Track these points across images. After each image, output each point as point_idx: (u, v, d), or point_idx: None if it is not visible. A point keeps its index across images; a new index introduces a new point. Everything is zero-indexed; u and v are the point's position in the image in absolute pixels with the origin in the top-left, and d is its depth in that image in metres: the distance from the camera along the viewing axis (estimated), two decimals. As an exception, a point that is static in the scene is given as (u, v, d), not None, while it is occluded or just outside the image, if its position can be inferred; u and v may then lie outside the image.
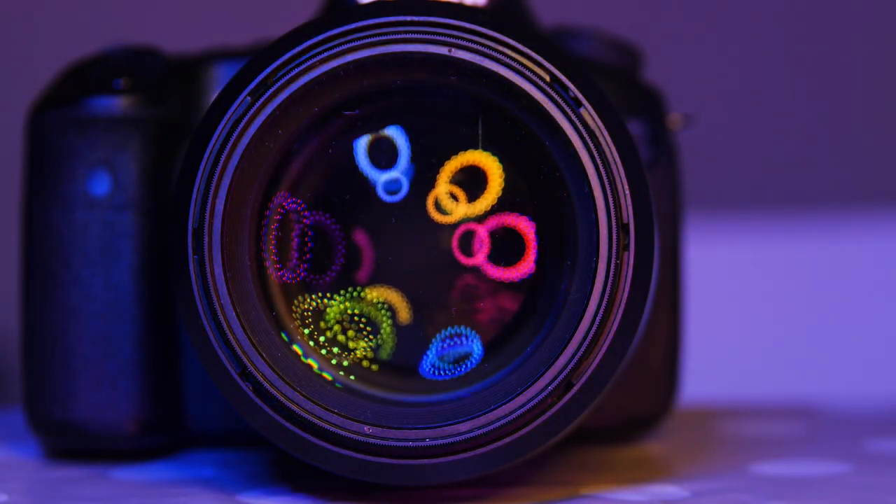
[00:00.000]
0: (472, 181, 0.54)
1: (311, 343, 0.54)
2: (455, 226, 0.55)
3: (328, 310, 0.54)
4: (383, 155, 0.54)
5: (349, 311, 0.54)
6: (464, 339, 0.54)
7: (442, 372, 0.54)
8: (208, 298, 0.53)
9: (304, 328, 0.54)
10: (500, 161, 0.54)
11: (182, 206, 0.53)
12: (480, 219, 0.54)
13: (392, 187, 0.54)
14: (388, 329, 0.54)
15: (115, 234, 0.61)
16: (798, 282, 1.03)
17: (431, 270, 0.55)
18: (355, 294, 0.54)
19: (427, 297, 0.55)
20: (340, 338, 0.54)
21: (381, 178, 0.54)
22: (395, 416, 0.52)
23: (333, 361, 0.54)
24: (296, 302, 0.54)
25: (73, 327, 0.61)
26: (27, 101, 0.63)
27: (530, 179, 0.54)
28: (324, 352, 0.54)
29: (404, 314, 0.54)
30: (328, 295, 0.55)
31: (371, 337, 0.54)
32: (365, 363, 0.54)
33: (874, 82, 1.14)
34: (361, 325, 0.55)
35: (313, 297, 0.54)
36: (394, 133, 0.54)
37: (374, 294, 0.55)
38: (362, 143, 0.54)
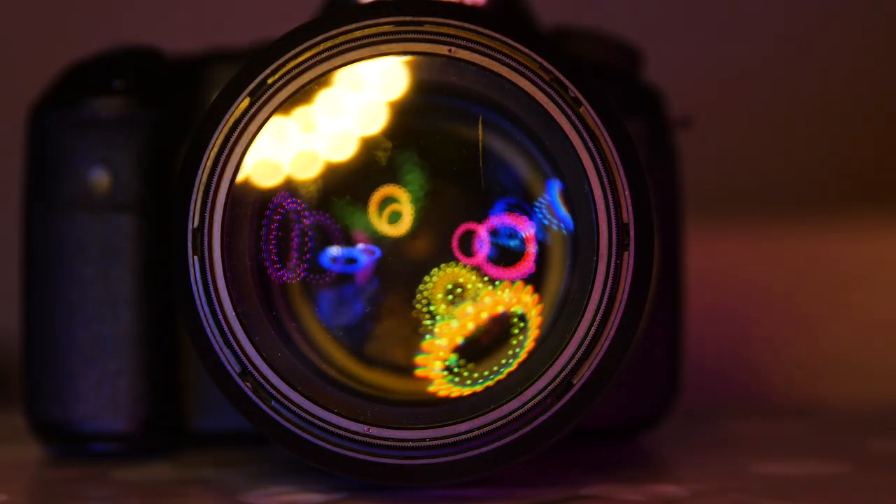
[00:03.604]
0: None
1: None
2: (454, 226, 0.55)
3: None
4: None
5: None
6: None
7: None
8: (208, 299, 0.53)
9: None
10: (410, 192, 0.54)
11: (182, 206, 0.53)
12: (480, 219, 0.54)
13: (352, 267, 0.55)
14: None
15: (115, 234, 0.61)
16: (798, 281, 1.03)
17: (425, 273, 0.55)
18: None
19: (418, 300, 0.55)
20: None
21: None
22: (395, 416, 0.52)
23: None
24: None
25: (73, 327, 0.61)
26: (27, 101, 0.63)
27: (530, 179, 0.54)
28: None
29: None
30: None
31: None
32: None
33: (877, 81, 1.14)
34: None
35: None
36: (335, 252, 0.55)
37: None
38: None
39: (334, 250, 0.54)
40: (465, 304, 0.54)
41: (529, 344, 0.53)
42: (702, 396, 0.79)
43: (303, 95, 0.53)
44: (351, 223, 0.55)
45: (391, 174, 0.55)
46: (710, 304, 0.93)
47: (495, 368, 0.53)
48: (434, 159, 0.55)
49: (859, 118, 1.14)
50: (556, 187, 0.53)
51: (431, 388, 0.54)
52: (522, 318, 0.54)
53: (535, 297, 0.54)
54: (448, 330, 0.54)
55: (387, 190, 0.55)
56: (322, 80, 0.53)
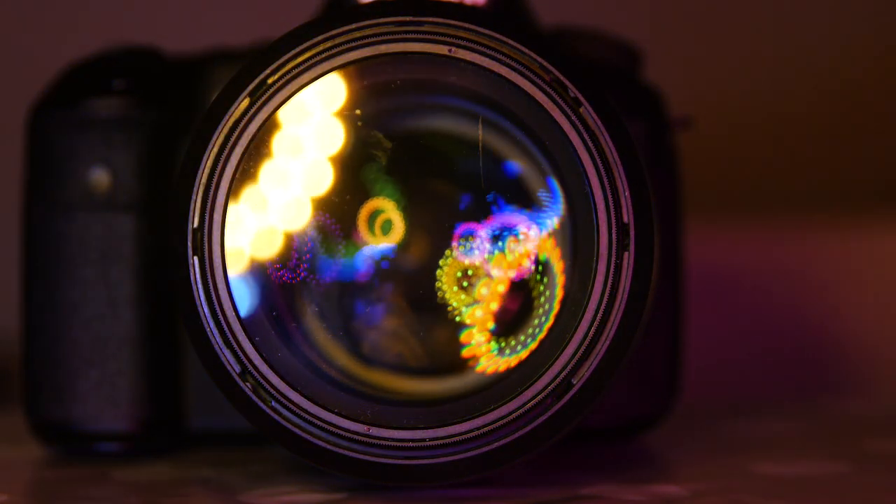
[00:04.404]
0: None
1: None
2: (454, 226, 0.55)
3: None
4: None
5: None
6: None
7: None
8: (209, 299, 0.53)
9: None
10: (398, 204, 0.55)
11: (182, 206, 0.53)
12: (480, 219, 0.55)
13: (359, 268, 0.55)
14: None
15: (115, 234, 0.61)
16: (798, 281, 1.03)
17: (431, 270, 0.55)
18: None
19: (427, 296, 0.55)
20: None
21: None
22: (395, 415, 0.52)
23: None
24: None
25: (73, 327, 0.61)
26: (27, 101, 0.63)
27: (529, 178, 0.54)
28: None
29: None
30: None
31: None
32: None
33: (877, 81, 1.14)
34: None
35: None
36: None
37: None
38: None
39: (368, 249, 0.54)
40: (493, 264, 0.54)
41: (559, 292, 0.53)
42: (702, 396, 0.79)
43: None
44: (348, 229, 0.55)
45: (383, 179, 0.55)
46: (711, 304, 0.93)
47: (530, 331, 0.53)
48: (433, 160, 0.55)
49: (862, 118, 1.14)
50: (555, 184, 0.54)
51: (479, 368, 0.54)
52: (546, 266, 0.54)
53: (554, 241, 0.54)
54: (482, 296, 0.54)
55: (375, 202, 0.55)
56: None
